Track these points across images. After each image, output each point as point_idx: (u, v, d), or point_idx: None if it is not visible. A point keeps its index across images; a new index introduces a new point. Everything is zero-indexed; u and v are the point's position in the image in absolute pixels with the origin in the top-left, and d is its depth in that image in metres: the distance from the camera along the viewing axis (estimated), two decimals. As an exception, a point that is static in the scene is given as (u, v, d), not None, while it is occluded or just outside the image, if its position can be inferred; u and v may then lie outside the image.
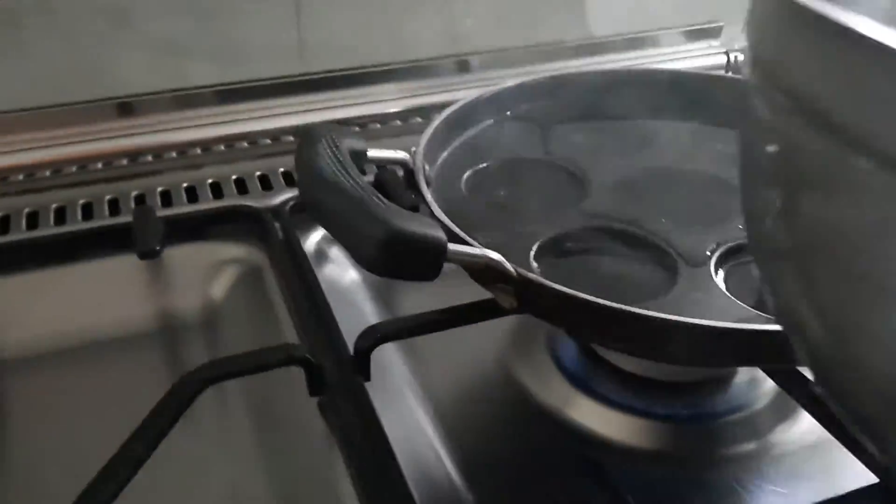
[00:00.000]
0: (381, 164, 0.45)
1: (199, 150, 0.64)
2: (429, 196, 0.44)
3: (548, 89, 0.59)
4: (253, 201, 0.61)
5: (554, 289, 0.37)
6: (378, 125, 0.68)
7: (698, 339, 0.36)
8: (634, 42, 0.75)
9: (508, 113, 0.57)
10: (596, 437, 0.47)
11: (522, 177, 0.52)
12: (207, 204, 0.61)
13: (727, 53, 0.77)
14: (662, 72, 0.62)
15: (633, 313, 0.36)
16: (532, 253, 0.44)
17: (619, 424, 0.48)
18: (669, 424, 0.47)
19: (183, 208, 0.60)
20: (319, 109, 0.66)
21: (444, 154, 0.53)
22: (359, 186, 0.37)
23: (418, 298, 0.57)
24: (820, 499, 0.39)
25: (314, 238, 0.61)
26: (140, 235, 0.53)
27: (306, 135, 0.42)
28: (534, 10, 0.70)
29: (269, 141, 0.66)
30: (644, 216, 0.47)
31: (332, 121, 0.65)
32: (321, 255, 0.60)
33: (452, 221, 0.41)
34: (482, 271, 0.38)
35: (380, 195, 0.37)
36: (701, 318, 0.37)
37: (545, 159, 0.54)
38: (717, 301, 0.42)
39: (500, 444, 0.46)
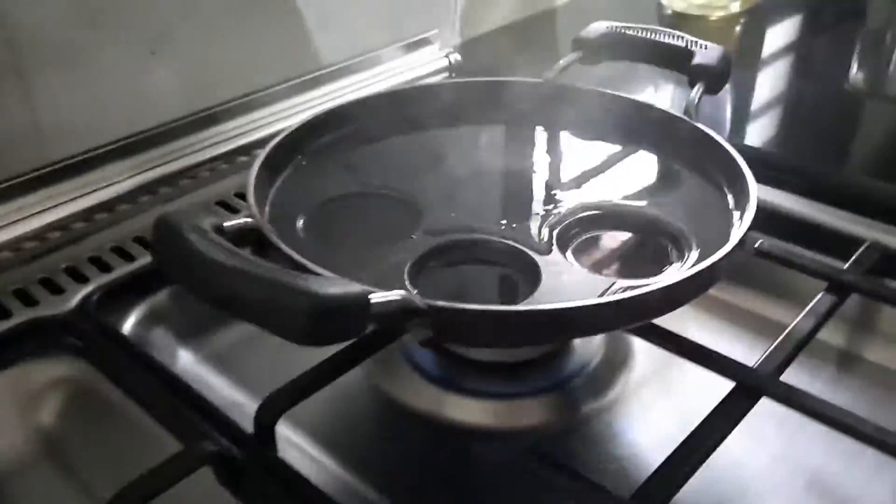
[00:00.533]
0: (232, 232, 0.44)
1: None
2: (289, 250, 0.44)
3: (329, 122, 0.60)
4: (50, 309, 0.55)
5: (471, 310, 0.40)
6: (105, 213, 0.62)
7: (597, 315, 0.41)
8: (363, 63, 0.78)
9: (300, 156, 0.58)
10: (466, 426, 0.51)
11: (352, 212, 0.53)
12: (-7, 327, 0.53)
13: (447, 57, 0.83)
14: (426, 87, 0.66)
15: (557, 310, 0.39)
16: (406, 282, 0.46)
17: (483, 411, 0.52)
18: (527, 400, 0.53)
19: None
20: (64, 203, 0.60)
21: (267, 207, 0.52)
22: (258, 265, 0.37)
23: (259, 358, 0.56)
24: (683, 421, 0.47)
25: (128, 327, 0.56)
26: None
27: (165, 225, 0.39)
28: (254, 54, 0.70)
29: (34, 243, 0.58)
30: (483, 222, 0.51)
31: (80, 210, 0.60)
32: (144, 341, 0.56)
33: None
34: (392, 314, 0.39)
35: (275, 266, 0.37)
36: (579, 297, 0.43)
37: (365, 191, 0.55)
38: (579, 277, 0.47)
39: (391, 455, 0.49)
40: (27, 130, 0.57)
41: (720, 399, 0.46)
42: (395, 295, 0.39)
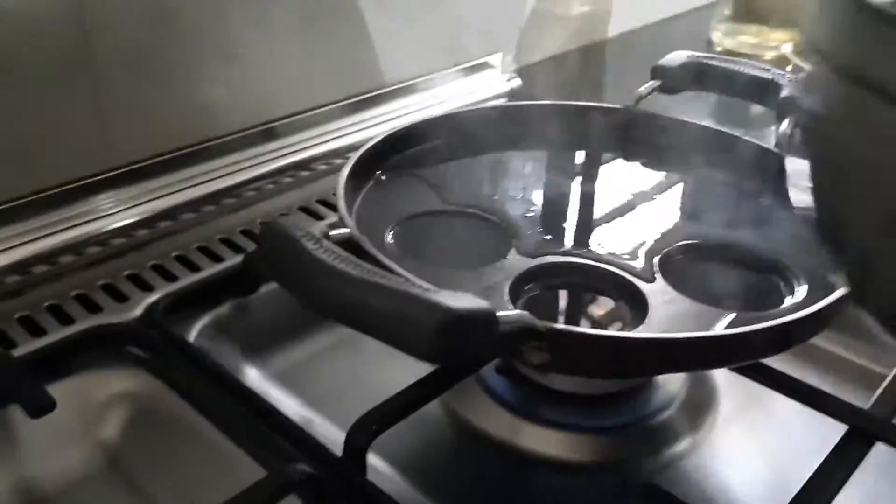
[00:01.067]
0: (338, 242, 0.42)
1: (16, 277, 0.53)
2: (392, 264, 0.41)
3: (408, 138, 0.58)
4: (114, 317, 0.52)
5: (593, 336, 0.38)
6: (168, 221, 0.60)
7: (715, 348, 0.39)
8: (422, 84, 0.77)
9: (379, 171, 0.56)
10: (542, 457, 0.48)
11: (438, 230, 0.51)
12: (57, 333, 0.50)
13: (508, 81, 0.82)
14: (505, 107, 0.64)
15: (676, 340, 0.37)
16: (507, 302, 0.44)
17: (559, 442, 0.50)
18: (604, 436, 0.50)
19: (28, 345, 0.49)
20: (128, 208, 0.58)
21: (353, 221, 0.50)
22: (383, 276, 0.34)
23: (327, 376, 0.54)
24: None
25: (193, 339, 0.54)
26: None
27: (276, 234, 0.37)
28: (316, 69, 0.68)
29: (97, 248, 0.56)
30: (578, 246, 0.49)
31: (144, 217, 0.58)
32: (213, 353, 0.53)
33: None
34: (514, 334, 0.37)
35: (400, 278, 0.35)
36: (687, 328, 0.41)
37: (450, 209, 0.53)
38: (686, 308, 0.45)
39: (468, 482, 0.47)
40: (95, 132, 0.55)
41: (821, 440, 0.44)
42: (517, 315, 0.36)
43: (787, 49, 1.02)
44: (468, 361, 0.34)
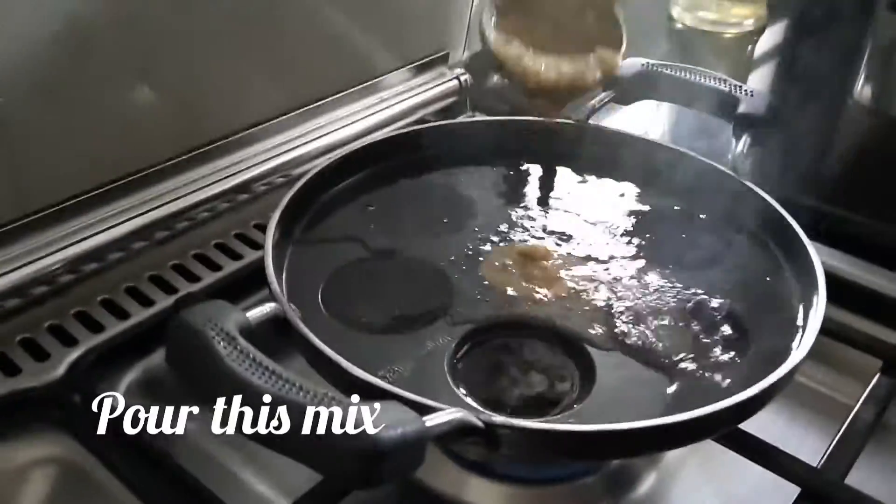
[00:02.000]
0: (260, 327, 0.39)
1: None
2: (323, 347, 0.39)
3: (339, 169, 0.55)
4: (33, 379, 0.49)
5: (535, 429, 0.35)
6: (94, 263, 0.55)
7: (669, 434, 0.37)
8: (368, 88, 0.72)
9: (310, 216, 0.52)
10: None
11: (375, 280, 0.48)
12: (-29, 402, 0.47)
13: (458, 78, 0.78)
14: (442, 126, 0.61)
15: (627, 430, 0.35)
16: (447, 375, 0.41)
17: (511, 497, 0.48)
18: (558, 487, 0.48)
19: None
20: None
21: (283, 275, 0.47)
22: (303, 389, 0.32)
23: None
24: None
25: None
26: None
27: (186, 332, 0.34)
28: (246, 84, 0.63)
29: (14, 300, 0.52)
30: (529, 303, 0.47)
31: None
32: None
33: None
34: (448, 434, 0.34)
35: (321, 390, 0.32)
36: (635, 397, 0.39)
37: (385, 255, 0.50)
38: (635, 373, 0.43)
39: None
40: (3, 175, 0.50)
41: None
42: (451, 414, 0.34)
43: (748, 25, 0.99)
44: (395, 479, 0.32)
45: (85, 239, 0.54)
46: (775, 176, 0.56)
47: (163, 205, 0.58)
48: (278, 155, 0.65)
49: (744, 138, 0.56)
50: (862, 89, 0.91)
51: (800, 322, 0.45)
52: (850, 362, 0.54)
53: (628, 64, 0.61)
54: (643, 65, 0.61)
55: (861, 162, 0.76)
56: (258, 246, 0.61)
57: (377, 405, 0.31)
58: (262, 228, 0.62)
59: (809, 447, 0.47)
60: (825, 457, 0.44)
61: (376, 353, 0.42)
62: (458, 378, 0.42)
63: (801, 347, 0.41)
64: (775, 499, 0.45)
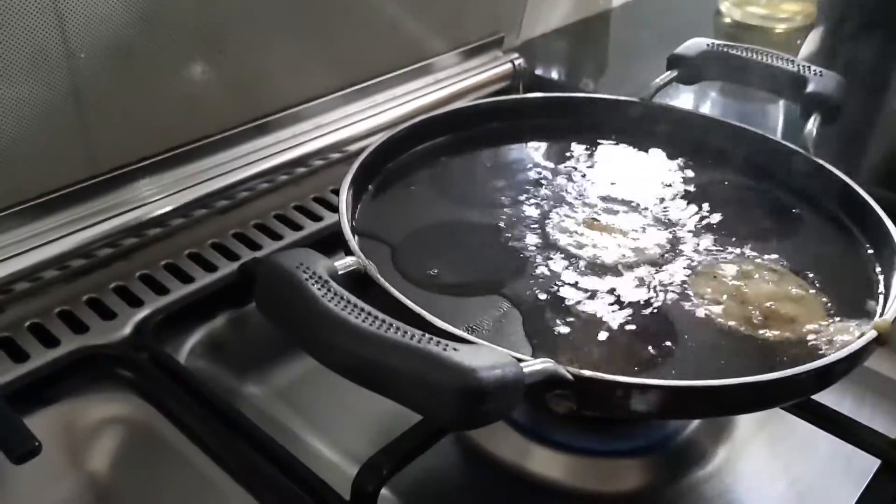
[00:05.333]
0: (346, 277, 0.38)
1: (-1, 295, 0.49)
2: (408, 301, 0.38)
3: (410, 136, 0.55)
4: (100, 337, 0.49)
5: (623, 383, 0.35)
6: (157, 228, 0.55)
7: (750, 394, 0.37)
8: (422, 70, 0.72)
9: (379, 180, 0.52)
10: (555, 484, 0.46)
11: (448, 242, 0.48)
12: (41, 358, 0.47)
13: (511, 62, 0.77)
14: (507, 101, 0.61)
15: (715, 387, 0.35)
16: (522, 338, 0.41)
17: (573, 468, 0.47)
18: (619, 461, 0.48)
19: (9, 372, 0.46)
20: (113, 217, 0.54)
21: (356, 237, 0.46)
22: (399, 329, 0.31)
23: (332, 395, 0.51)
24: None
25: (184, 358, 0.51)
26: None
27: (277, 274, 0.34)
28: (306, 62, 0.63)
29: (81, 261, 0.52)
30: (602, 271, 0.46)
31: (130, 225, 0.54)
32: (207, 373, 0.50)
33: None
34: (539, 385, 0.34)
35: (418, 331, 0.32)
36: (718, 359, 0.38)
37: (459, 219, 0.50)
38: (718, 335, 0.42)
39: None
40: (76, 137, 0.51)
41: (846, 462, 0.42)
42: (543, 364, 0.34)
43: (798, 20, 0.98)
44: (491, 422, 0.32)
45: (149, 203, 0.54)
46: (845, 157, 0.55)
47: (224, 174, 0.58)
48: (335, 131, 0.65)
49: (813, 118, 0.55)
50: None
51: (881, 290, 0.44)
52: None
53: (691, 44, 0.61)
54: (708, 45, 0.61)
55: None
56: (317, 217, 0.61)
57: (478, 346, 0.31)
58: (321, 201, 0.63)
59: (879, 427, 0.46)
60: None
61: (453, 312, 0.41)
62: (533, 338, 0.41)
63: (887, 313, 0.40)
64: (847, 476, 0.44)
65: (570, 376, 0.34)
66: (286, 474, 0.42)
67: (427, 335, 0.31)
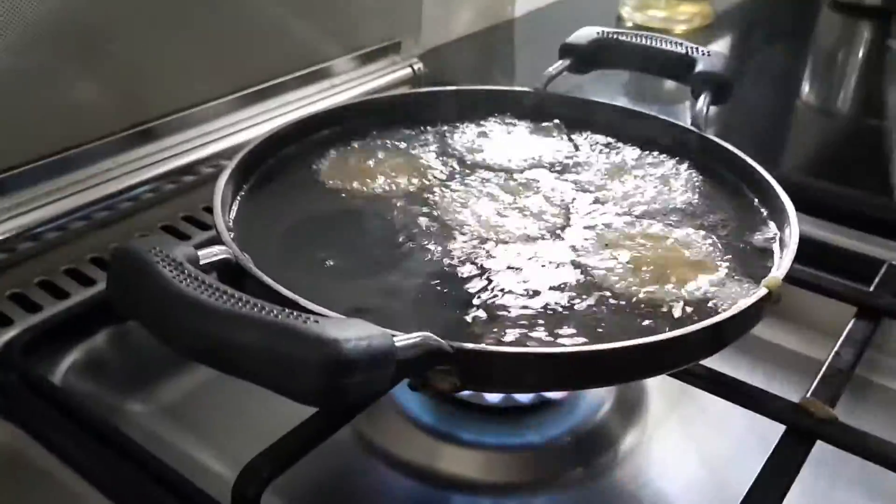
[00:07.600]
0: (209, 265, 0.36)
1: None
2: (275, 284, 0.36)
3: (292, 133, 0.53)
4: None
5: (507, 353, 0.33)
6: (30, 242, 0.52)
7: (640, 357, 0.35)
8: (316, 74, 0.70)
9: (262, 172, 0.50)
10: (466, 481, 0.45)
11: (327, 232, 0.46)
12: None
13: (411, 66, 0.76)
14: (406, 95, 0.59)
15: (599, 351, 0.33)
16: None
17: (485, 463, 0.46)
18: (529, 452, 0.47)
19: None
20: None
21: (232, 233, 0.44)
22: (255, 305, 0.29)
23: (220, 408, 0.48)
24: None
25: (60, 379, 0.47)
26: None
27: (129, 258, 0.31)
28: (193, 64, 0.61)
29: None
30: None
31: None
32: (81, 396, 0.47)
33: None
34: (416, 360, 0.32)
35: (277, 307, 0.29)
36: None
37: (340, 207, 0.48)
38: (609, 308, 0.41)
39: None
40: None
41: (757, 435, 0.41)
42: (418, 336, 0.32)
43: (696, 22, 1.00)
44: (359, 401, 0.29)
45: (21, 215, 0.51)
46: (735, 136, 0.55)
47: (103, 182, 0.55)
48: (225, 137, 0.63)
49: (703, 97, 0.55)
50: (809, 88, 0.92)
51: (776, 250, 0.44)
52: (818, 322, 0.54)
53: (582, 32, 0.61)
54: (599, 32, 0.60)
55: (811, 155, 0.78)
56: (207, 227, 0.58)
57: (343, 319, 0.29)
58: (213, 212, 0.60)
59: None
60: (808, 394, 0.43)
61: (338, 299, 0.39)
62: (423, 318, 0.39)
63: (777, 270, 0.40)
64: (759, 448, 0.43)
65: (449, 349, 0.32)
66: (167, 490, 0.39)
67: (287, 310, 0.29)
